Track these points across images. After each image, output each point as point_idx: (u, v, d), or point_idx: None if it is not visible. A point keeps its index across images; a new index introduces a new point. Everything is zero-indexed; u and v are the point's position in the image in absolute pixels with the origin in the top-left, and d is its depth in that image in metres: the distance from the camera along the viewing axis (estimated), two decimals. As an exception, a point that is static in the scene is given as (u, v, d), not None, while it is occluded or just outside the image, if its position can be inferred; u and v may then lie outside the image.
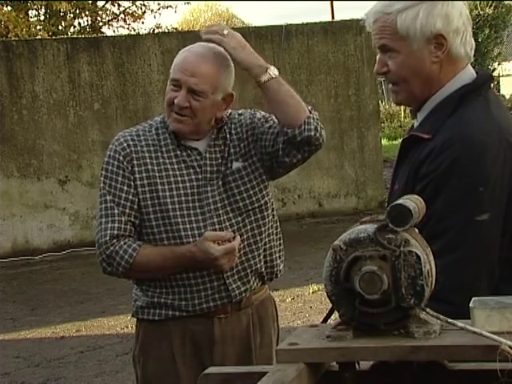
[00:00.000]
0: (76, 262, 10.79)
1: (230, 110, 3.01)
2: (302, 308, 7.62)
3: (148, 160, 2.88)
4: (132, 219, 2.86)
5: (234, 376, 1.56)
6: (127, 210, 2.85)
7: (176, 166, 2.89)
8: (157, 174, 2.87)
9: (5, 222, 11.57)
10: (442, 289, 1.53)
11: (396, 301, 1.44)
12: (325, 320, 1.68)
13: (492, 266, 2.06)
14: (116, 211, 2.84)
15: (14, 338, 7.47)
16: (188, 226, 2.85)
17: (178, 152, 2.90)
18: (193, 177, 2.88)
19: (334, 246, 1.48)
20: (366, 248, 1.46)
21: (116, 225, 2.83)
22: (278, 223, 3.06)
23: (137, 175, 2.86)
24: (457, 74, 2.21)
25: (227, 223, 2.88)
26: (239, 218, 2.90)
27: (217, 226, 2.87)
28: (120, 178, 2.87)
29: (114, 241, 2.82)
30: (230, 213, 2.89)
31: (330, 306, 1.54)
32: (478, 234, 2.04)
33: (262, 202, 2.95)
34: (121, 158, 2.88)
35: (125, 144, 2.90)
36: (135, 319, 3.01)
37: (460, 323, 1.44)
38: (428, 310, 1.46)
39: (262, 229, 2.94)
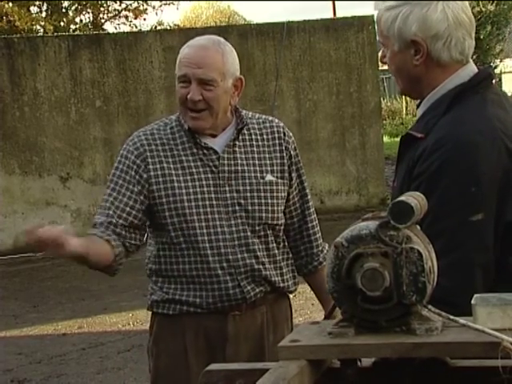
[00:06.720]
0: (78, 259, 10.78)
1: (257, 114, 3.03)
2: (304, 305, 7.61)
3: (163, 159, 2.87)
4: (130, 217, 2.85)
5: (236, 373, 1.56)
6: (127, 209, 2.85)
7: (192, 164, 2.87)
8: (173, 172, 2.86)
9: (6, 219, 11.58)
10: (442, 291, 1.53)
11: (398, 298, 1.44)
12: (326, 317, 1.68)
13: (488, 265, 2.04)
14: (112, 207, 2.84)
15: (15, 334, 7.48)
16: (204, 224, 2.83)
17: (195, 150, 2.88)
18: (209, 175, 2.87)
19: (336, 243, 1.47)
20: (368, 245, 1.45)
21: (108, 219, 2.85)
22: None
23: (151, 173, 2.86)
24: (453, 73, 2.17)
25: (240, 227, 2.87)
26: (257, 228, 2.89)
27: (233, 229, 2.86)
28: (128, 177, 2.87)
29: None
30: (246, 218, 2.87)
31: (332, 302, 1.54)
32: (473, 234, 2.02)
33: (280, 222, 2.96)
34: (133, 158, 2.87)
35: (138, 144, 2.89)
36: (150, 312, 3.01)
37: (462, 320, 1.44)
38: (430, 306, 1.46)
39: (271, 246, 2.94)
